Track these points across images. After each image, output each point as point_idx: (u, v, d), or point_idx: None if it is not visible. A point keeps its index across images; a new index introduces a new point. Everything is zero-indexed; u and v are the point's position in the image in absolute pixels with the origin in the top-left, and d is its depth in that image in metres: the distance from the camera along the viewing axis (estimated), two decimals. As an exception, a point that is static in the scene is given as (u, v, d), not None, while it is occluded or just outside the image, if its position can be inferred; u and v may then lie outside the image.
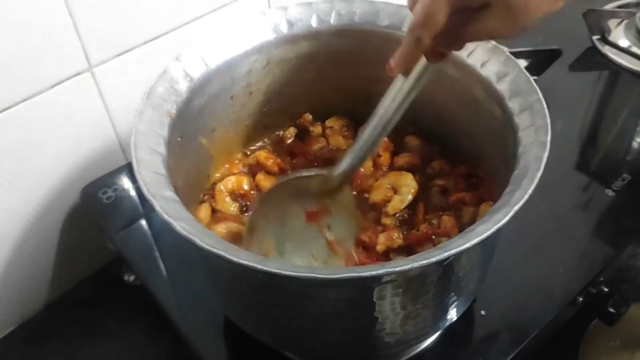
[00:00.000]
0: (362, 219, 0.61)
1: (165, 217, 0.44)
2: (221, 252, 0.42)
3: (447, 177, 0.65)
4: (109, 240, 0.72)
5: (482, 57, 0.59)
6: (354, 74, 0.68)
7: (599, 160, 0.81)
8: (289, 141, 0.71)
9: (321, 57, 0.67)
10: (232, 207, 0.63)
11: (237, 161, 0.69)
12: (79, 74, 0.69)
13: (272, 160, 0.67)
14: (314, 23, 0.65)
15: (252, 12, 0.64)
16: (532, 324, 0.61)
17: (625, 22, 0.97)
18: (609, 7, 1.02)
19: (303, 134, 0.71)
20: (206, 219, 0.61)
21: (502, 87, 0.56)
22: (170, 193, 0.48)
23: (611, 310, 0.65)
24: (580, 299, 0.64)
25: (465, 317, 0.59)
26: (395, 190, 0.63)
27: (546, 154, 0.48)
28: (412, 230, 0.61)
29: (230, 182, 0.64)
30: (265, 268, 0.42)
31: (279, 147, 0.71)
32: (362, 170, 0.66)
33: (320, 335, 0.54)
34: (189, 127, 0.59)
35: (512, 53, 0.58)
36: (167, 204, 0.46)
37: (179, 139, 0.57)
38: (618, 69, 0.91)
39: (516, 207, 0.44)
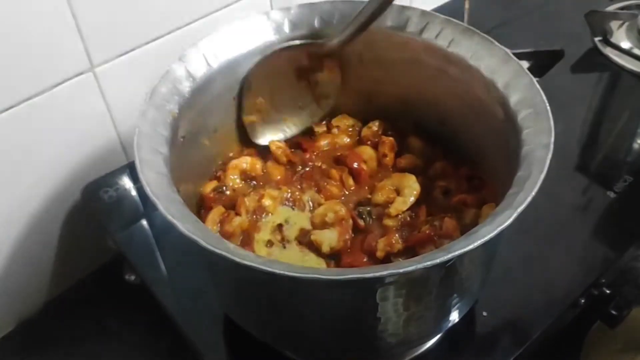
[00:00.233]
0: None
1: (169, 217, 0.44)
2: (224, 253, 0.42)
3: (449, 179, 0.65)
4: (110, 240, 0.72)
5: (484, 58, 0.59)
6: (357, 74, 0.68)
7: (601, 162, 0.81)
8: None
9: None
10: (238, 182, 0.64)
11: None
12: (81, 73, 0.69)
13: (281, 151, 0.67)
14: (316, 24, 0.65)
15: (254, 12, 0.64)
16: (534, 326, 0.61)
17: (627, 23, 0.97)
18: (611, 8, 1.01)
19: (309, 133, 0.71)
20: (218, 214, 0.61)
21: (505, 89, 0.56)
22: (173, 193, 0.48)
23: (613, 312, 0.66)
24: (582, 301, 0.64)
25: (467, 318, 0.59)
26: (398, 192, 0.63)
27: (550, 156, 0.48)
28: (413, 232, 0.61)
29: (245, 162, 0.65)
30: (269, 269, 0.41)
31: (287, 142, 0.70)
32: (366, 169, 0.66)
33: (321, 335, 0.54)
34: (192, 127, 0.59)
35: (514, 54, 0.57)
36: (170, 204, 0.46)
37: (182, 139, 0.57)
38: (620, 70, 0.91)
39: (519, 209, 0.44)
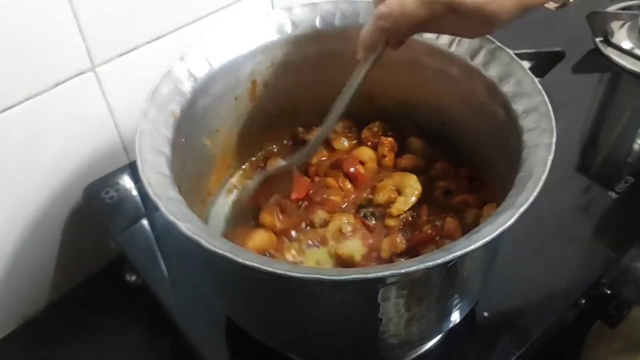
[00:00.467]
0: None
1: (171, 217, 0.44)
2: (226, 254, 0.42)
3: (450, 179, 0.65)
4: (111, 240, 0.72)
5: (486, 58, 0.59)
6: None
7: (602, 163, 0.81)
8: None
9: (325, 58, 0.67)
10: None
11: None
12: (82, 73, 0.69)
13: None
14: (318, 24, 0.65)
15: (256, 12, 0.64)
16: (535, 326, 0.60)
17: (628, 24, 0.97)
18: (612, 9, 1.01)
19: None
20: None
21: (507, 89, 0.56)
22: (174, 194, 0.48)
23: (613, 312, 0.65)
24: (583, 301, 0.64)
25: (468, 318, 0.59)
26: (399, 192, 0.63)
27: (551, 157, 0.48)
28: (415, 232, 0.61)
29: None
30: (270, 269, 0.41)
31: (285, 147, 0.71)
32: (364, 171, 0.66)
33: (323, 336, 0.54)
34: (193, 127, 0.59)
35: (515, 54, 0.57)
36: (171, 204, 0.46)
37: (183, 140, 0.56)
38: (621, 70, 0.91)
39: (521, 210, 0.44)
